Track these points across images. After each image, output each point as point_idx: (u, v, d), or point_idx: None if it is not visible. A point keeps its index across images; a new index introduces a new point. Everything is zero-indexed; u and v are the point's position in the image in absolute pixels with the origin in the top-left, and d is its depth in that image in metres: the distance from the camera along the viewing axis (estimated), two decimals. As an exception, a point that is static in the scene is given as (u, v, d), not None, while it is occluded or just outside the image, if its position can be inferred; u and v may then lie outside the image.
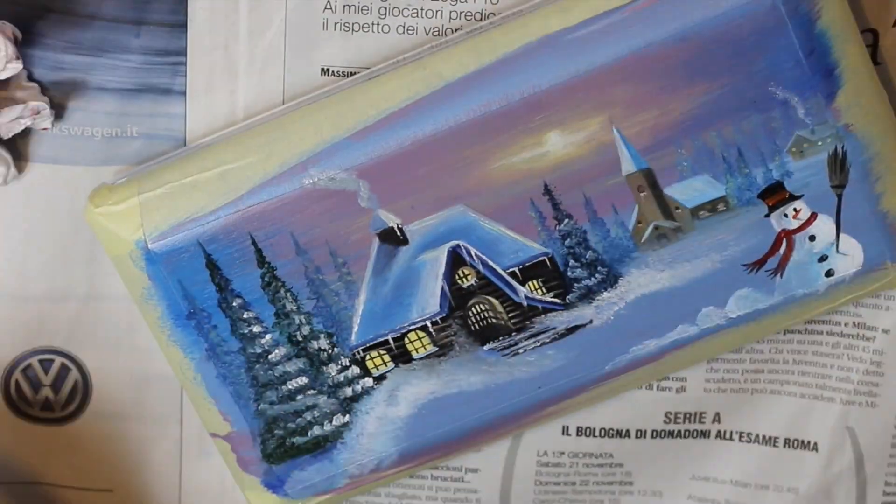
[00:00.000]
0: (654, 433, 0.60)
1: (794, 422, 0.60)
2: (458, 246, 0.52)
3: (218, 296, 0.51)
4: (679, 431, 0.60)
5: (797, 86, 0.51)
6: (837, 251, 0.53)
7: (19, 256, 0.56)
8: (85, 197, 0.52)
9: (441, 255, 0.52)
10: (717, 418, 0.60)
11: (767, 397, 0.60)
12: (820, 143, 0.52)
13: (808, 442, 0.60)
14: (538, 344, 0.53)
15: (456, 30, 0.53)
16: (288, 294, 0.52)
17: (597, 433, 0.60)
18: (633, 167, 0.51)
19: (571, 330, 0.53)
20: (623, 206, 0.52)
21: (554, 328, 0.53)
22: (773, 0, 0.49)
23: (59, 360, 0.57)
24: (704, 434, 0.60)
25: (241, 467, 0.54)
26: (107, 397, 0.57)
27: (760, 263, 0.53)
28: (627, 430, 0.60)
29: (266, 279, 0.51)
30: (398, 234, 0.51)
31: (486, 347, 0.53)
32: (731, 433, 0.60)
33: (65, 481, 0.58)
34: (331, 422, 0.53)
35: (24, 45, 0.54)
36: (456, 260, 0.52)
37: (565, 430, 0.60)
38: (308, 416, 0.53)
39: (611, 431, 0.60)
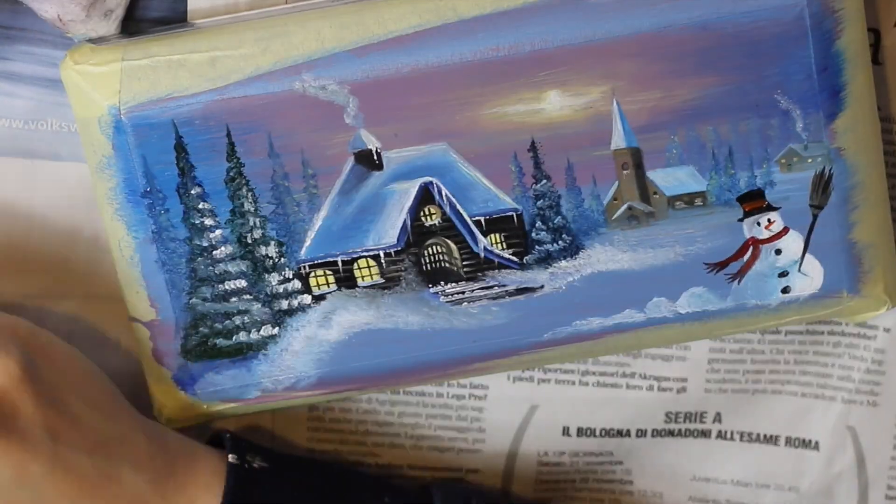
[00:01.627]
0: (655, 433, 0.67)
1: (794, 421, 0.67)
2: (430, 183, 0.58)
3: (178, 180, 0.57)
4: (680, 431, 0.67)
5: (802, 99, 0.58)
6: (799, 270, 0.60)
7: (20, 253, 0.61)
8: (84, 194, 0.59)
9: (412, 189, 0.58)
10: (717, 418, 0.67)
11: (768, 397, 0.67)
12: (810, 161, 0.59)
13: (810, 441, 0.68)
14: (485, 298, 0.60)
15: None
16: (249, 194, 0.57)
17: (597, 433, 0.67)
18: (623, 143, 0.58)
19: (521, 291, 0.60)
20: (603, 179, 0.58)
21: (504, 285, 0.60)
22: (801, 10, 0.56)
23: None
24: (705, 434, 0.67)
25: (154, 357, 0.60)
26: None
27: (722, 265, 0.60)
28: (628, 430, 0.67)
29: (231, 174, 0.57)
30: (375, 158, 0.58)
31: (432, 290, 0.59)
32: (732, 433, 0.67)
33: None
34: (259, 331, 0.59)
35: (24, 42, 0.59)
36: (425, 196, 0.58)
37: (566, 431, 0.67)
38: (237, 321, 0.59)
39: (611, 431, 0.67)
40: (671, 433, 0.68)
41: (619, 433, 0.67)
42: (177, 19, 0.59)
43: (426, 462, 0.68)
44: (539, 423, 0.67)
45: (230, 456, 0.59)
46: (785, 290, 0.61)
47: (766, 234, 0.60)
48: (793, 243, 0.61)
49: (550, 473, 0.68)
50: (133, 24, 0.58)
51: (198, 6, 0.59)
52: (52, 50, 0.59)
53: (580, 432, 0.67)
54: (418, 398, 0.66)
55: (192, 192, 0.58)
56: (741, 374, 0.67)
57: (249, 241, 0.59)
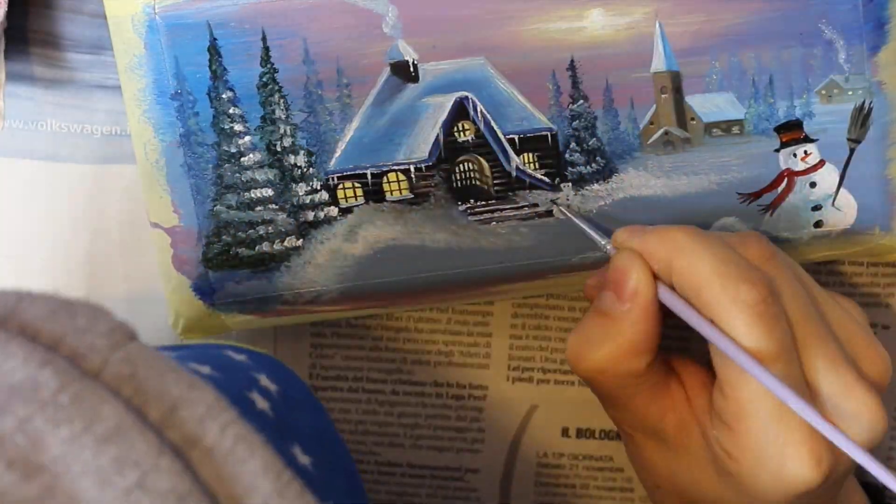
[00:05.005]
0: None
1: None
2: (466, 98, 0.59)
3: (210, 83, 0.58)
4: None
5: (846, 30, 0.59)
6: (833, 204, 0.62)
7: (19, 253, 0.62)
8: (84, 195, 0.60)
9: (447, 103, 0.60)
10: None
11: None
12: (850, 93, 0.60)
13: None
14: (514, 218, 0.61)
15: None
16: (281, 101, 0.59)
17: (597, 435, 0.69)
18: (664, 66, 0.60)
19: (551, 213, 0.62)
20: (641, 102, 0.60)
21: (535, 206, 0.62)
22: (851, -62, 0.58)
23: None
24: None
25: (174, 265, 0.61)
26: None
27: (756, 196, 0.61)
28: None
29: (264, 79, 0.58)
30: (411, 70, 0.59)
31: (461, 207, 0.61)
32: None
33: None
34: (283, 242, 0.61)
35: (23, 42, 0.60)
36: (460, 111, 0.60)
37: (565, 432, 0.68)
38: (261, 230, 0.60)
39: (611, 433, 0.69)
40: None
41: (619, 436, 0.69)
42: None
43: (425, 462, 0.70)
44: (538, 424, 0.69)
45: None
46: (817, 224, 0.62)
47: (801, 167, 0.62)
48: (828, 177, 0.62)
49: (550, 476, 0.70)
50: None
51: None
52: (53, 51, 0.60)
53: (580, 433, 0.69)
54: (418, 398, 0.68)
55: (224, 96, 0.59)
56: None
57: (279, 150, 0.60)
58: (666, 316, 0.55)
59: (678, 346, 0.62)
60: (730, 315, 0.52)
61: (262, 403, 0.48)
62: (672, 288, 0.55)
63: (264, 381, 0.50)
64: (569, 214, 0.61)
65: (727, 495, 0.56)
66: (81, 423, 0.39)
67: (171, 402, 0.41)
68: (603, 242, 0.59)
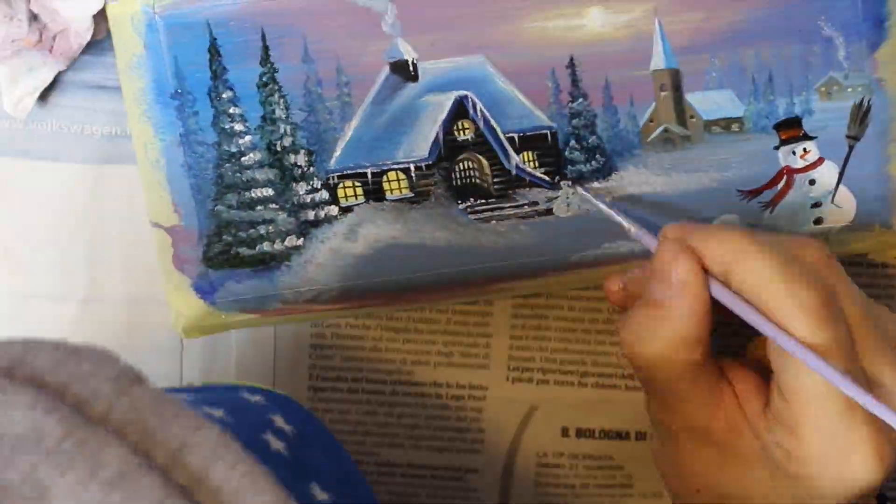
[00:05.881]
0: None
1: None
2: (466, 97, 0.60)
3: (210, 83, 0.59)
4: None
5: (846, 27, 0.60)
6: (832, 201, 0.62)
7: (18, 255, 0.63)
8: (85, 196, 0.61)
9: (447, 101, 0.60)
10: None
11: None
12: (850, 90, 0.61)
13: None
14: (514, 216, 0.62)
15: None
16: (281, 100, 0.59)
17: (596, 434, 0.69)
18: (663, 64, 0.60)
19: (551, 211, 0.62)
20: (641, 100, 0.61)
21: (535, 203, 0.62)
22: (851, -67, 0.59)
23: None
24: None
25: (175, 265, 0.61)
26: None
27: (756, 193, 0.62)
28: (627, 432, 0.69)
29: (264, 79, 0.59)
30: (411, 68, 0.60)
31: (461, 206, 0.61)
32: None
33: None
34: (283, 241, 0.61)
35: None
36: (460, 110, 0.60)
37: (565, 432, 0.69)
38: (262, 230, 0.61)
39: (610, 433, 0.70)
40: None
41: (619, 435, 0.70)
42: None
43: (425, 462, 0.70)
44: (538, 424, 0.70)
45: None
46: (817, 222, 0.63)
47: (801, 164, 0.62)
48: (827, 174, 0.63)
49: (550, 475, 0.71)
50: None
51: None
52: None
53: (579, 433, 0.70)
54: (417, 399, 0.69)
55: (224, 95, 0.59)
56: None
57: (279, 149, 0.61)
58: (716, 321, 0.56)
59: (728, 351, 0.63)
60: (792, 317, 0.53)
61: (276, 444, 0.49)
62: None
63: (279, 421, 0.51)
64: (596, 201, 0.61)
65: (780, 497, 0.57)
66: (86, 469, 0.40)
67: (177, 444, 0.41)
68: (628, 226, 0.59)
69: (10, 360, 0.42)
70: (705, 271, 0.55)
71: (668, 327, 0.56)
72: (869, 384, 0.55)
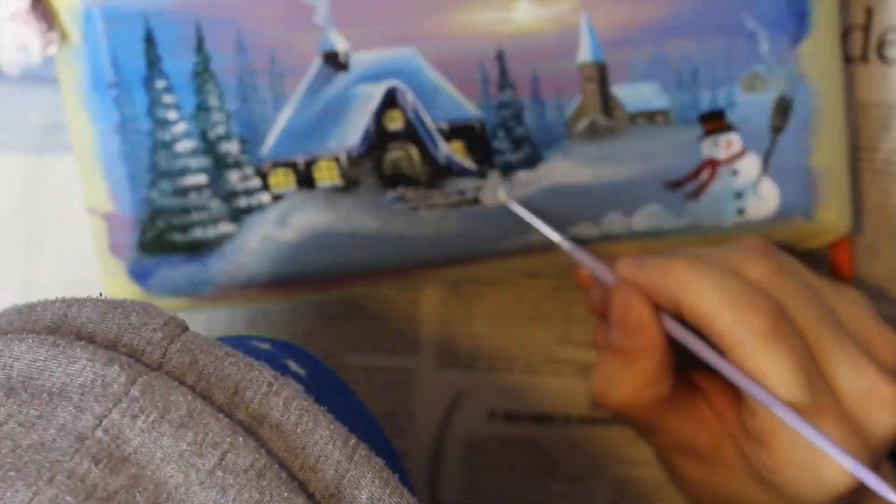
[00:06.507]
0: (580, 420, 0.71)
1: None
2: (396, 87, 0.62)
3: (146, 72, 0.60)
4: (604, 418, 0.71)
5: (768, 21, 0.62)
6: (755, 192, 0.64)
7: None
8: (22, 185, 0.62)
9: (377, 92, 0.62)
10: None
11: None
12: (772, 83, 0.63)
13: None
14: (442, 205, 0.63)
15: None
16: (215, 89, 0.61)
17: (523, 417, 0.71)
18: (590, 57, 0.62)
19: (479, 200, 0.64)
20: (567, 92, 0.62)
21: (463, 192, 0.64)
22: (771, -70, 0.61)
23: None
24: None
25: (110, 250, 0.63)
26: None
27: (680, 184, 0.64)
28: (553, 416, 0.71)
29: (198, 68, 0.60)
30: (342, 59, 0.61)
31: (391, 194, 0.63)
32: None
33: None
34: (216, 227, 0.63)
35: None
36: (390, 100, 0.62)
37: (493, 416, 0.71)
38: (195, 216, 0.62)
39: (538, 417, 0.71)
40: (595, 420, 0.71)
41: (546, 419, 0.71)
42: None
43: None
44: (466, 409, 0.71)
45: None
46: (740, 212, 0.65)
47: (724, 155, 0.64)
48: (750, 165, 0.64)
49: (478, 459, 0.72)
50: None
51: None
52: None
53: (507, 417, 0.71)
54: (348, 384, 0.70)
55: (159, 84, 0.61)
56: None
57: (212, 137, 0.62)
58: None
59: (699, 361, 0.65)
60: (742, 343, 0.55)
61: (295, 386, 0.50)
62: (681, 319, 0.58)
63: (293, 366, 0.53)
64: (525, 213, 0.63)
65: (772, 502, 0.59)
66: (156, 412, 0.41)
67: (234, 385, 0.43)
68: (559, 240, 0.62)
69: (54, 316, 0.44)
70: (660, 308, 0.57)
71: (631, 375, 0.58)
72: (827, 384, 0.57)
